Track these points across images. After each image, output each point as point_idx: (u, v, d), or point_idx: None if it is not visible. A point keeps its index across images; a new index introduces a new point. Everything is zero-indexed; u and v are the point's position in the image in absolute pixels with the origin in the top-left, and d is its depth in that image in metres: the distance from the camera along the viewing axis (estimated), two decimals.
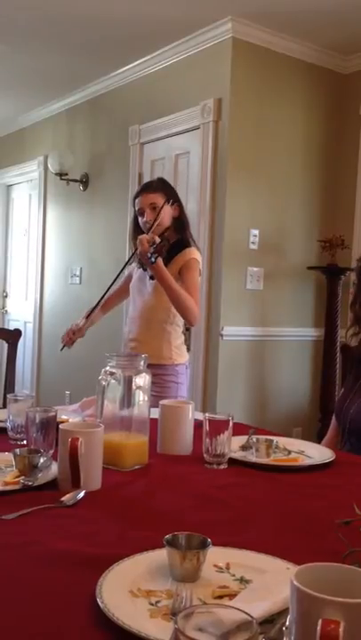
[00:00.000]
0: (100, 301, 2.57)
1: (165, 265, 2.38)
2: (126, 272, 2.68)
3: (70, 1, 3.36)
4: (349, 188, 3.95)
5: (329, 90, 3.95)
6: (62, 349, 2.61)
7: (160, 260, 2.25)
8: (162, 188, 2.46)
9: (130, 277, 2.65)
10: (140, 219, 2.48)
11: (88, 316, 2.58)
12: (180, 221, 2.47)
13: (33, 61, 4.26)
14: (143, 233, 2.37)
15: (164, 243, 2.24)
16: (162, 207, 2.35)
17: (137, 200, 2.49)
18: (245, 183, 3.63)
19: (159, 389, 2.31)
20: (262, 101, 3.67)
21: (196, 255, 2.44)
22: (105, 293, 2.57)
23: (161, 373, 2.39)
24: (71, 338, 2.57)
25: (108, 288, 2.56)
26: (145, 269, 2.42)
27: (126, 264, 2.56)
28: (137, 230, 2.48)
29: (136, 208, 2.51)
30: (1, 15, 3.57)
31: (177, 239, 2.44)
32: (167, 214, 2.42)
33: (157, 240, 2.22)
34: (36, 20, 3.62)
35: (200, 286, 2.47)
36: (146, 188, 2.50)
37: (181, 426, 1.54)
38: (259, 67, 3.65)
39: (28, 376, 5.62)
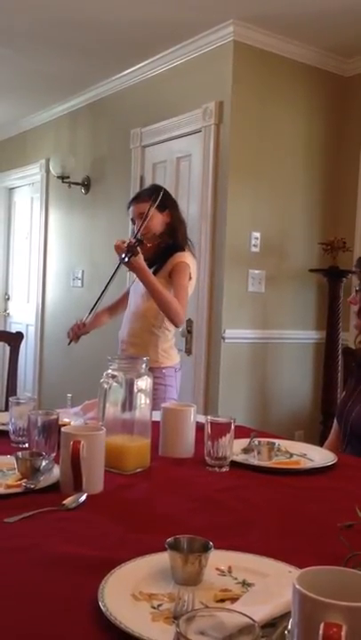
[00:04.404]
0: (100, 298, 2.58)
1: (158, 269, 2.46)
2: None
3: (72, 4, 3.37)
4: (351, 191, 3.95)
5: (330, 92, 3.95)
6: (69, 344, 2.67)
7: (139, 260, 2.31)
8: (151, 196, 2.49)
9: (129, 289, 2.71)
10: (134, 227, 2.56)
11: (90, 312, 2.61)
12: (172, 227, 2.53)
13: (35, 64, 4.27)
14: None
15: (138, 243, 2.30)
16: (146, 215, 2.41)
17: (130, 209, 2.59)
18: (247, 186, 3.63)
19: None
20: (264, 104, 3.67)
21: (186, 259, 2.48)
22: (104, 290, 2.56)
23: None
24: (76, 332, 2.63)
25: (105, 287, 2.56)
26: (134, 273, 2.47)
27: (117, 269, 2.56)
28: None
29: (129, 217, 2.62)
30: (3, 19, 3.58)
31: (168, 244, 2.50)
32: (158, 220, 2.49)
33: (132, 241, 2.31)
34: (37, 24, 3.63)
35: (190, 289, 2.51)
36: (136, 198, 2.60)
37: (183, 428, 1.54)
38: (260, 69, 3.65)
39: (29, 379, 5.63)
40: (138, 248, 2.30)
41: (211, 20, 3.48)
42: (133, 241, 2.31)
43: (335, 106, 3.98)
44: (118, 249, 2.33)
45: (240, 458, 1.50)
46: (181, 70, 3.90)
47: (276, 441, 1.59)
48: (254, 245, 3.69)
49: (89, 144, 4.86)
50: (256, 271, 3.71)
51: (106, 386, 1.42)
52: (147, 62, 4.09)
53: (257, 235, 3.69)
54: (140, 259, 2.33)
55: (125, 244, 2.30)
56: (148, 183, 4.01)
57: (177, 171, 3.98)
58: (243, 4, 3.27)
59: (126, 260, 2.29)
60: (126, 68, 4.25)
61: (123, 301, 2.75)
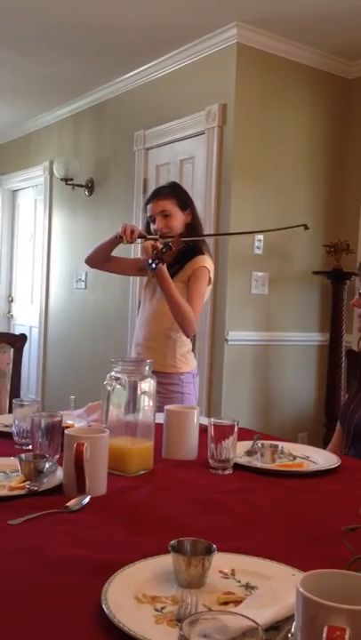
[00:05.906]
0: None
1: (177, 272, 2.37)
2: (136, 256, 2.61)
3: (76, 7, 3.38)
4: (354, 193, 3.95)
5: (333, 95, 3.96)
6: (126, 243, 2.45)
7: (163, 267, 2.24)
8: (173, 194, 2.42)
9: (137, 261, 2.62)
10: (151, 225, 2.45)
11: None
12: (193, 227, 2.44)
13: (39, 67, 4.28)
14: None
15: (166, 249, 2.21)
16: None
17: (148, 206, 2.46)
18: (250, 188, 3.63)
19: (163, 400, 2.12)
20: (267, 106, 3.67)
21: (207, 263, 2.40)
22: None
23: (165, 382, 2.33)
24: (134, 234, 2.40)
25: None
26: (153, 276, 2.41)
27: (113, 244, 2.52)
28: (149, 235, 2.45)
29: (147, 214, 2.48)
30: (7, 21, 3.59)
31: (189, 246, 2.41)
32: (179, 220, 2.41)
33: (159, 246, 2.22)
34: (41, 27, 3.64)
35: (207, 294, 2.44)
36: (156, 195, 2.46)
37: (186, 431, 1.54)
38: (263, 72, 3.65)
39: (33, 381, 5.63)
40: (164, 255, 2.21)
41: (214, 23, 3.48)
42: (161, 246, 2.21)
43: (339, 108, 3.98)
44: (146, 252, 2.24)
45: (243, 460, 1.50)
46: (185, 73, 3.91)
47: (280, 443, 1.59)
48: (257, 247, 3.68)
49: (92, 146, 4.87)
50: (259, 273, 3.71)
51: (109, 388, 1.42)
52: (150, 65, 4.09)
53: (260, 237, 3.68)
54: (164, 266, 2.25)
55: (154, 251, 2.21)
56: (151, 185, 4.01)
57: (180, 173, 3.98)
58: (246, 6, 3.28)
59: (154, 266, 2.18)
60: (130, 71, 4.26)
61: (119, 263, 2.66)
